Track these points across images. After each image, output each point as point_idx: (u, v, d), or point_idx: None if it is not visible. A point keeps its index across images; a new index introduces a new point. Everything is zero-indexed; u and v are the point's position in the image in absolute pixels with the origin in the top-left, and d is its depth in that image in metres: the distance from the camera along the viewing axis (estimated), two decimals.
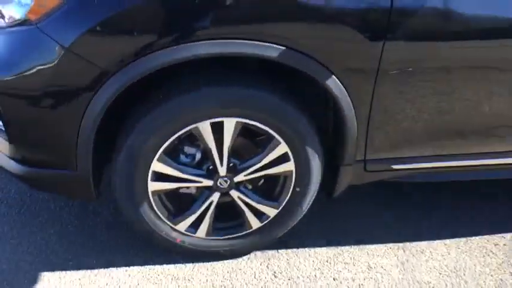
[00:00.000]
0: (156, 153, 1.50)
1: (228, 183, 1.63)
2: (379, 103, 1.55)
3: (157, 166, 1.53)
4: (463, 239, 2.00)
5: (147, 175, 1.53)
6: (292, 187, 1.68)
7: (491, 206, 2.17)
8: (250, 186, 1.72)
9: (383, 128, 1.64)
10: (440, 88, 1.58)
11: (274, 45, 1.37)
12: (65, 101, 1.39)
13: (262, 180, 1.77)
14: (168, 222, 1.67)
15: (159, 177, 1.57)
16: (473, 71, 1.58)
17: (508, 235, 2.01)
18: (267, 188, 1.75)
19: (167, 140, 1.48)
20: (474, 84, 1.60)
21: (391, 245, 1.95)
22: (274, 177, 1.71)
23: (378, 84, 1.51)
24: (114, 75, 1.33)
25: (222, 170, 1.60)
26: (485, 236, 2.01)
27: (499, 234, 2.01)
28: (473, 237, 2.01)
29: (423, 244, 1.96)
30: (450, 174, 1.86)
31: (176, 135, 1.49)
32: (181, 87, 1.47)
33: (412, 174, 1.81)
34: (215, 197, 1.65)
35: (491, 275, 1.83)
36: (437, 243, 1.97)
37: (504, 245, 1.95)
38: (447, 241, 1.98)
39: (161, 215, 1.64)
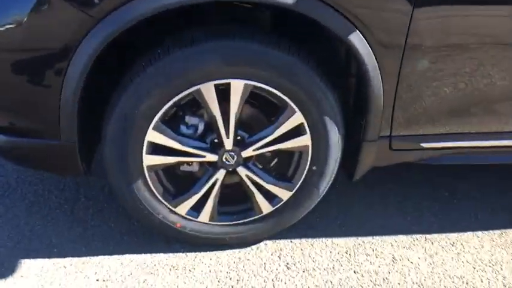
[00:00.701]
0: (151, 121, 1.30)
1: (235, 158, 1.43)
2: (407, 70, 1.35)
3: (153, 136, 1.33)
4: (497, 232, 1.79)
5: (142, 146, 1.34)
6: (308, 165, 1.47)
7: None
8: (260, 166, 1.52)
9: (412, 100, 1.43)
10: (474, 61, 1.38)
11: None
12: (43, 57, 1.20)
13: (275, 160, 1.57)
14: (167, 204, 1.47)
15: (156, 149, 1.37)
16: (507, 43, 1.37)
17: None
18: (280, 167, 1.55)
19: (164, 104, 1.29)
20: (506, 58, 1.40)
21: (417, 236, 1.74)
22: (288, 154, 1.50)
23: (405, 50, 1.32)
24: (100, 22, 1.14)
25: (228, 143, 1.40)
26: None
27: None
28: (508, 230, 1.79)
29: (453, 236, 1.75)
30: (478, 157, 1.64)
31: (175, 99, 1.29)
32: (180, 41, 1.28)
33: (439, 157, 1.60)
34: (220, 174, 1.45)
35: None
36: (469, 236, 1.76)
37: None
38: (479, 233, 1.77)
39: (158, 195, 1.44)
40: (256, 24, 1.43)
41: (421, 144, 1.55)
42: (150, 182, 1.41)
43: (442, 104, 1.47)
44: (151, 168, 1.39)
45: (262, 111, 1.46)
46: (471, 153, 1.64)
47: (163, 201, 1.46)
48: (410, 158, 1.62)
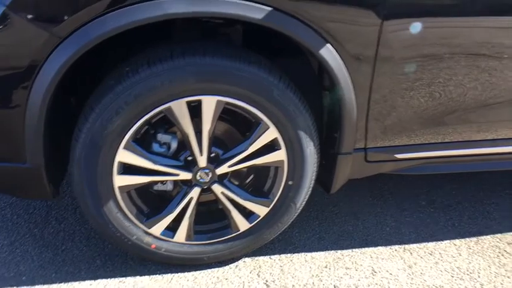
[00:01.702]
0: (122, 140, 1.27)
1: (210, 176, 1.40)
2: (381, 83, 1.36)
3: (123, 156, 1.29)
4: (474, 239, 1.81)
5: (112, 167, 1.30)
6: (284, 180, 1.46)
7: (500, 202, 2.00)
8: (236, 182, 1.50)
9: (386, 111, 1.44)
10: (445, 72, 1.40)
11: (262, 6, 1.16)
12: (5, 77, 1.15)
13: (252, 176, 1.55)
14: (140, 225, 1.42)
15: (127, 169, 1.33)
16: (479, 53, 1.40)
17: None
18: (256, 183, 1.53)
19: (134, 123, 1.26)
20: (478, 68, 1.43)
21: (396, 247, 1.74)
22: (264, 170, 1.49)
23: (376, 62, 1.33)
24: (64, 41, 1.10)
25: (202, 161, 1.37)
26: (497, 235, 1.83)
27: None
28: (484, 237, 1.82)
29: (430, 245, 1.76)
30: (453, 166, 1.67)
31: (145, 118, 1.26)
32: (150, 58, 1.25)
33: (416, 166, 1.61)
34: (195, 192, 1.41)
35: (509, 277, 1.62)
36: (446, 244, 1.77)
37: None
38: (456, 241, 1.79)
39: (131, 216, 1.40)
40: (229, 39, 1.41)
41: (396, 155, 1.56)
42: (122, 203, 1.36)
43: (415, 114, 1.49)
44: (123, 189, 1.35)
45: (236, 127, 1.45)
46: (446, 162, 1.66)
47: (136, 222, 1.41)
48: (386, 169, 1.62)
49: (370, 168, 1.59)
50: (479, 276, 1.62)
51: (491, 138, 1.58)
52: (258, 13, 1.17)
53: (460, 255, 1.71)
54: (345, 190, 1.65)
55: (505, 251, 1.76)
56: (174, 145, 1.38)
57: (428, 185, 2.07)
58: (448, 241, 1.78)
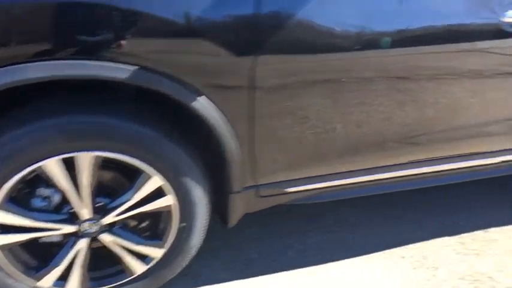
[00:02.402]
0: None
1: (96, 226, 1.40)
2: (261, 122, 1.40)
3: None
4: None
5: None
6: (177, 223, 1.48)
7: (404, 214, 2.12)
8: (128, 228, 1.50)
9: (270, 150, 1.49)
10: (327, 103, 1.46)
11: (123, 65, 1.17)
12: None
13: (146, 220, 1.55)
14: (28, 279, 1.40)
15: (6, 227, 1.31)
16: (355, 82, 1.46)
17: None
18: (150, 226, 1.54)
19: (7, 183, 1.23)
20: (360, 98, 1.49)
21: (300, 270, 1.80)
22: (157, 214, 1.50)
23: (255, 101, 1.36)
24: None
25: (86, 212, 1.37)
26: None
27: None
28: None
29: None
30: (351, 191, 1.75)
31: (19, 177, 1.24)
32: (22, 115, 1.23)
33: (313, 196, 1.68)
34: (82, 244, 1.41)
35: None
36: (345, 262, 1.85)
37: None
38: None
39: (16, 271, 1.37)
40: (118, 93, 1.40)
41: (287, 190, 1.62)
42: (3, 261, 1.34)
43: (301, 150, 1.54)
44: (2, 248, 1.32)
45: (122, 175, 1.45)
46: (343, 189, 1.73)
47: (23, 276, 1.39)
48: (283, 200, 1.67)
49: (266, 202, 1.64)
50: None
51: (373, 167, 1.67)
52: (120, 73, 1.18)
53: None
54: (253, 216, 1.69)
55: (402, 257, 1.87)
56: (56, 198, 1.36)
57: (338, 203, 2.16)
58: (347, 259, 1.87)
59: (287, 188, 1.60)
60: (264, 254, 1.87)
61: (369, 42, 1.40)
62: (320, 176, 1.63)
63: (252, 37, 1.27)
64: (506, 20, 1.51)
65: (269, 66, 1.32)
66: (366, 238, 1.99)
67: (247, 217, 1.66)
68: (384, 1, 1.40)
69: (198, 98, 1.28)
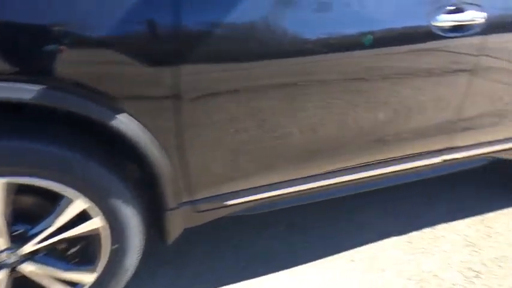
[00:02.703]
0: None
1: (16, 256, 1.29)
2: (191, 133, 1.33)
3: None
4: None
5: None
6: (109, 245, 1.39)
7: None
8: (54, 256, 1.39)
9: (205, 162, 1.42)
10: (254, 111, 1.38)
11: (20, 84, 1.06)
12: None
13: (80, 244, 1.45)
14: None
15: None
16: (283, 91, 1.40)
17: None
18: (80, 251, 1.44)
19: None
20: (294, 103, 1.44)
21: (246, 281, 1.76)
22: (86, 237, 1.40)
23: (182, 112, 1.28)
24: None
25: (2, 242, 1.25)
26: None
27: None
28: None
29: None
30: (296, 199, 1.70)
31: None
32: None
33: (253, 207, 1.62)
34: (2, 274, 1.29)
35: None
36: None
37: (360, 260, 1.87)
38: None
39: None
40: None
41: (229, 202, 1.56)
42: None
43: (238, 159, 1.48)
44: None
45: (44, 199, 1.34)
46: (285, 198, 1.68)
47: None
48: (223, 213, 1.60)
49: (207, 216, 1.57)
50: None
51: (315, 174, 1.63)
52: (27, 94, 1.07)
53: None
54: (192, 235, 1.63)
55: (352, 260, 1.86)
56: None
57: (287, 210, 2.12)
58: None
59: (229, 200, 1.54)
60: (212, 268, 1.81)
61: (296, 49, 1.35)
62: (264, 185, 1.57)
63: (173, 47, 1.20)
64: (437, 24, 1.53)
65: (194, 76, 1.25)
66: (316, 243, 1.96)
67: (193, 229, 1.59)
68: (310, 8, 1.35)
69: (115, 113, 1.19)
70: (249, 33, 1.26)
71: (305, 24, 1.34)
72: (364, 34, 1.39)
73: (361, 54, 1.40)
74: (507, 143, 2.00)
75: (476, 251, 1.95)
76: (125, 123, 1.20)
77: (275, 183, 1.57)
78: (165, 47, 1.19)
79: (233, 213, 1.63)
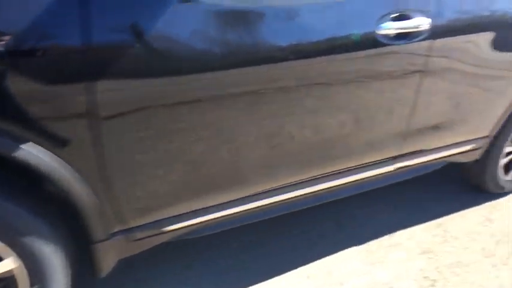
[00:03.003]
0: None
1: None
2: (114, 158, 1.18)
3: None
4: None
5: None
6: (27, 287, 1.22)
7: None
8: None
9: (135, 188, 1.28)
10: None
11: None
12: None
13: None
14: None
15: None
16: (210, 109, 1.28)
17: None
18: None
19: None
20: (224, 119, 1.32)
21: None
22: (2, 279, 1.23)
23: (101, 136, 1.14)
24: None
25: None
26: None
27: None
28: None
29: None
30: (240, 219, 1.58)
31: None
32: None
33: (192, 231, 1.48)
34: None
35: None
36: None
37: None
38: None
39: None
40: None
41: (167, 228, 1.42)
42: None
43: (172, 183, 1.34)
44: None
45: None
46: (225, 220, 1.56)
47: None
48: (164, 239, 1.47)
49: (145, 243, 1.43)
50: None
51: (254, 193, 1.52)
52: None
53: None
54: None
55: (307, 276, 1.76)
56: None
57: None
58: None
59: (169, 225, 1.40)
60: None
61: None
62: (207, 207, 1.44)
63: (83, 66, 1.04)
64: (380, 32, 1.47)
65: (110, 95, 1.11)
66: (270, 260, 1.85)
67: (135, 257, 1.45)
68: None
69: (19, 143, 1.03)
70: (174, 46, 1.12)
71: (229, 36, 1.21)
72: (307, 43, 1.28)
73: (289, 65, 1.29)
74: (460, 146, 1.97)
75: (431, 258, 1.90)
76: (32, 153, 1.04)
77: (218, 204, 1.45)
78: (74, 67, 1.03)
79: (176, 238, 1.49)
